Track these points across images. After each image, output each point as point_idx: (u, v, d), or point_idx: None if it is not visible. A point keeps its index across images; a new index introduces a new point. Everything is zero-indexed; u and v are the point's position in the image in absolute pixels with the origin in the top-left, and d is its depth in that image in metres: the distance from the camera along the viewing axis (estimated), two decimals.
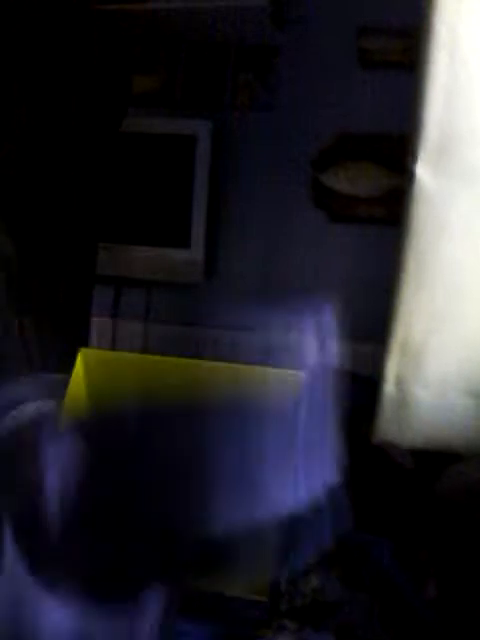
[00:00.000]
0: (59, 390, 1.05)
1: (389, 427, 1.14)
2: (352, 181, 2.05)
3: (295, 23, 2.01)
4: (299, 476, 0.77)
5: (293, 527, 0.81)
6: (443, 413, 1.12)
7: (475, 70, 1.13)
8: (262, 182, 2.12)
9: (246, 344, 2.04)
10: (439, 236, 1.13)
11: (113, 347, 2.19)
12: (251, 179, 2.13)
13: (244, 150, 2.13)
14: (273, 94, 2.10)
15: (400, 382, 1.14)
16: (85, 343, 1.93)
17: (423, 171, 1.15)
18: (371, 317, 1.97)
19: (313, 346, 0.95)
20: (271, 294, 2.09)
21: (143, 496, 0.76)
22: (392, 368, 1.15)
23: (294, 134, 2.08)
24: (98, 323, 2.13)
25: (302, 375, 1.16)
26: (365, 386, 1.73)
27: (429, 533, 1.30)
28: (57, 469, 0.75)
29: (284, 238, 2.10)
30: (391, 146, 2.00)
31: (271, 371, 1.32)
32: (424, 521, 1.32)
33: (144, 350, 2.14)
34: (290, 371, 1.25)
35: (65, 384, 1.08)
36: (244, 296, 2.11)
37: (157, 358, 1.21)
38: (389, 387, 1.15)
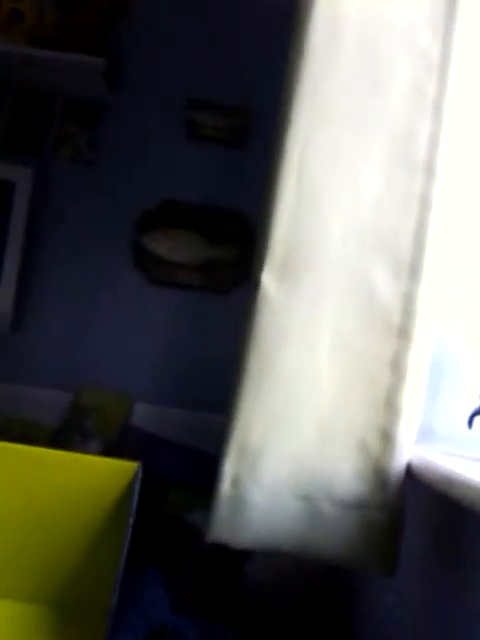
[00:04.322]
0: None
1: (224, 527, 1.17)
2: (172, 247, 2.09)
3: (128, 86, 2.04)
4: None
5: None
6: (275, 515, 1.16)
7: (319, 190, 1.22)
8: (82, 236, 2.09)
9: (49, 403, 2.00)
10: (280, 343, 1.19)
11: None
12: (70, 232, 2.09)
13: (64, 202, 2.09)
14: (96, 150, 2.09)
15: (236, 482, 1.17)
16: None
17: (268, 280, 1.21)
18: (186, 382, 2.04)
19: None
20: (82, 353, 2.06)
21: None
22: (229, 468, 1.17)
23: (116, 193, 2.08)
24: None
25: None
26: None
27: (235, 618, 1.36)
28: None
29: (100, 296, 2.08)
30: (211, 217, 2.08)
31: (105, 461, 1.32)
32: (231, 606, 1.38)
33: None
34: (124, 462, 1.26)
35: None
36: (52, 353, 2.05)
37: None
38: (225, 487, 1.18)
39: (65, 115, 2.07)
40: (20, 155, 2.06)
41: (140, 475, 1.26)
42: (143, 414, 1.98)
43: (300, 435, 1.18)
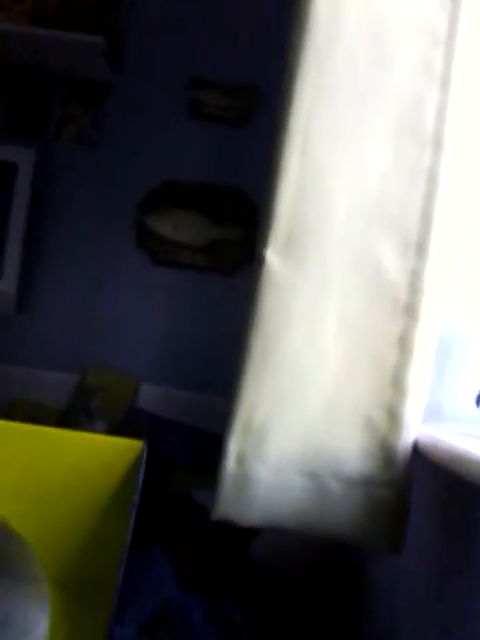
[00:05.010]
0: None
1: (229, 504, 1.17)
2: (176, 227, 2.07)
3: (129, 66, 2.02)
4: None
5: None
6: (281, 492, 1.16)
7: (323, 166, 1.20)
8: (85, 217, 2.07)
9: (55, 385, 1.99)
10: (285, 320, 1.18)
11: None
12: (73, 213, 2.07)
13: (67, 183, 2.07)
14: (99, 131, 2.07)
15: (241, 460, 1.17)
16: None
17: (272, 257, 1.19)
18: (191, 363, 2.03)
19: None
20: (87, 334, 2.05)
21: None
22: (234, 446, 1.17)
23: (119, 174, 2.06)
24: None
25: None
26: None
27: (242, 596, 1.36)
28: None
29: (104, 277, 2.07)
30: (215, 197, 2.06)
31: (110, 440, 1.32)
32: (238, 584, 1.38)
33: None
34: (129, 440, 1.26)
35: None
36: (57, 334, 2.04)
37: None
38: (230, 464, 1.17)
39: (67, 96, 2.05)
40: (22, 136, 2.04)
41: (145, 454, 1.26)
42: (148, 395, 1.97)
43: (305, 412, 1.17)
